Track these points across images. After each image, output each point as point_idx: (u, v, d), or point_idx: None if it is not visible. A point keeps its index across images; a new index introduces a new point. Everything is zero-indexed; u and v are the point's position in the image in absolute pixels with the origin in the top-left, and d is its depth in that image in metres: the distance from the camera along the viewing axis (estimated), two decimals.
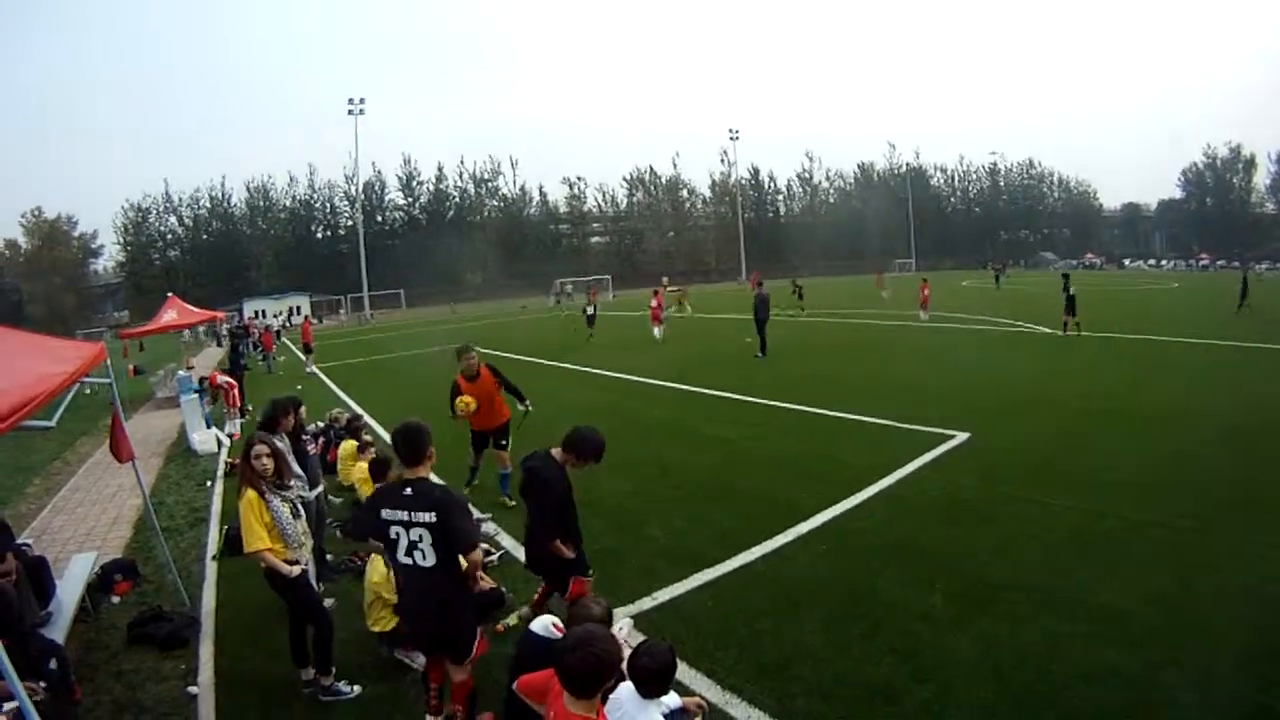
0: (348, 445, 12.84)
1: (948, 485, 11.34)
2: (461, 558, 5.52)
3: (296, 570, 6.64)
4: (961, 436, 13.86)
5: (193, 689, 6.92)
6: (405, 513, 5.40)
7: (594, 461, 6.90)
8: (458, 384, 11.66)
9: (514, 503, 10.99)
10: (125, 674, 7.30)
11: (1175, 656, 6.45)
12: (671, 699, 5.03)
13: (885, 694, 6.15)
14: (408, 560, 5.48)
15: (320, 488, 9.61)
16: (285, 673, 6.96)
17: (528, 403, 12.02)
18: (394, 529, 5.45)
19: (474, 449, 12.27)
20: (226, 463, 15.37)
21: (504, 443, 11.93)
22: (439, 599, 5.54)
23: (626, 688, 4.53)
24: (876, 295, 55.25)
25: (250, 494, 6.66)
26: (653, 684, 4.51)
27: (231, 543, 10.16)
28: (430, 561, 5.41)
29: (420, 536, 5.39)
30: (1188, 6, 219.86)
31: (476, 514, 10.34)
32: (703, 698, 5.78)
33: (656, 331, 36.17)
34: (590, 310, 41.58)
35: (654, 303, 37.36)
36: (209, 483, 14.44)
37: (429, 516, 5.33)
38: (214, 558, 10.30)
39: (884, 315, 43.44)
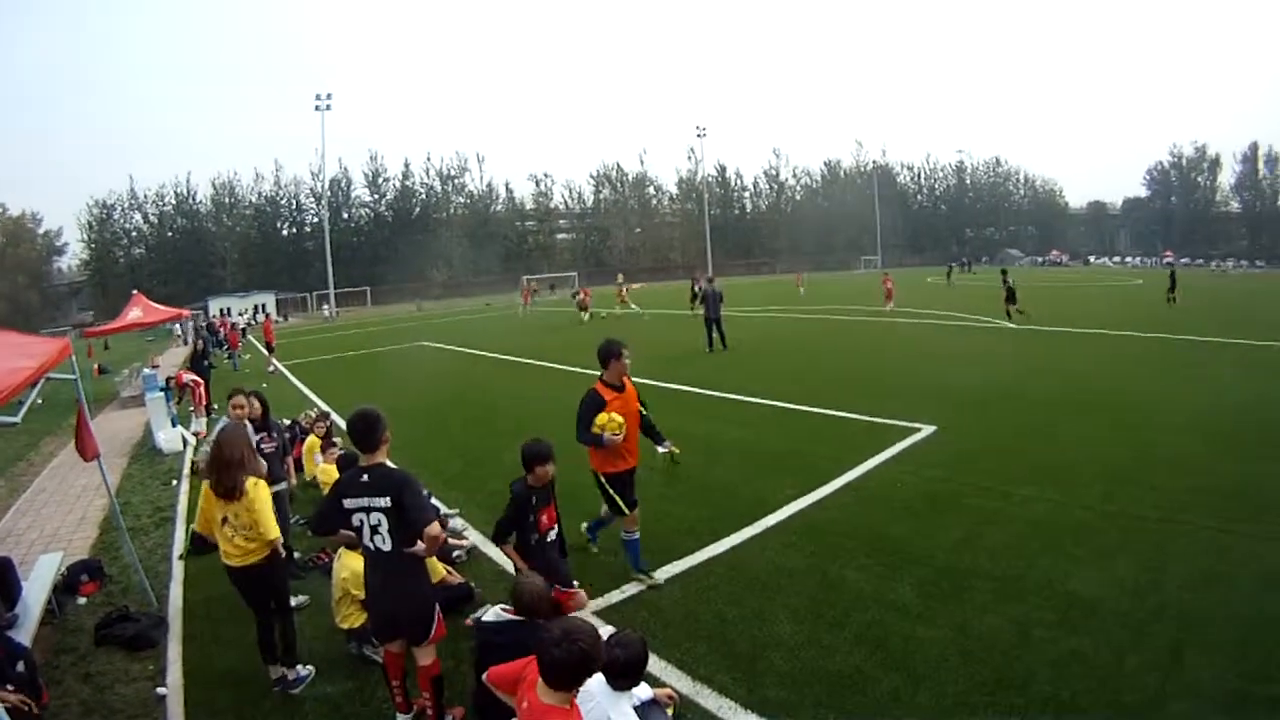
0: (311, 441, 12.75)
1: (915, 477, 11.41)
2: (420, 540, 5.50)
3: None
4: (928, 429, 13.93)
5: (161, 690, 6.85)
6: (365, 499, 5.45)
7: (540, 466, 7.06)
8: (598, 393, 8.32)
9: (652, 580, 8.32)
10: (93, 676, 7.21)
11: (1144, 643, 6.54)
12: (643, 690, 5.05)
13: (855, 683, 6.18)
14: (369, 546, 5.54)
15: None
16: (254, 671, 6.91)
17: (669, 444, 9.54)
18: (356, 517, 5.50)
19: (610, 497, 8.48)
20: (193, 461, 15.21)
21: (633, 497, 8.62)
22: (397, 581, 5.57)
23: (598, 680, 4.51)
24: (869, 294, 55.40)
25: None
26: (625, 675, 4.53)
27: (197, 541, 10.11)
28: (388, 546, 5.46)
29: (378, 521, 5.44)
30: (1154, 8, 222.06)
31: (444, 509, 10.34)
32: (674, 689, 5.83)
33: (585, 316, 45.56)
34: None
35: (582, 295, 48.84)
36: (174, 481, 14.30)
37: (385, 501, 5.39)
38: (180, 557, 10.19)
39: (846, 310, 43.93)
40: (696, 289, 48.08)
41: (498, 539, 7.25)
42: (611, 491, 8.41)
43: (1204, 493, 10.09)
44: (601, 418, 8.09)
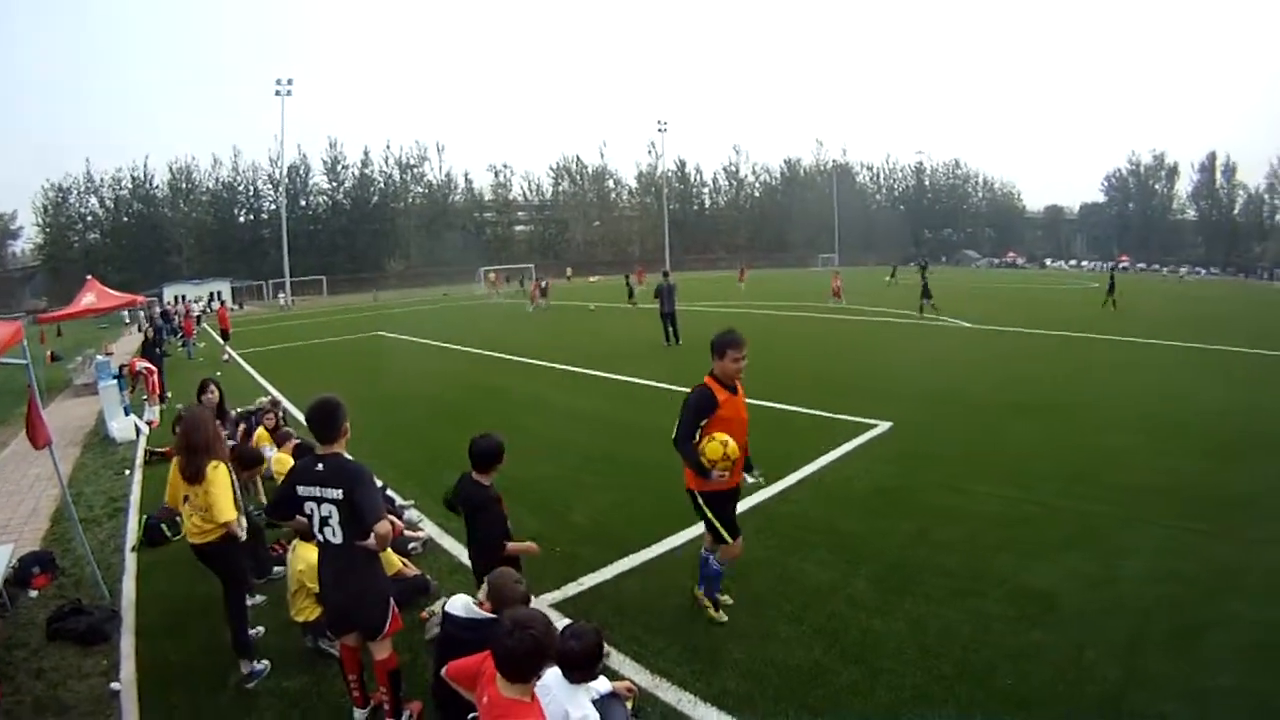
0: (261, 434, 12.58)
1: (871, 473, 11.51)
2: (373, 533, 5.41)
3: (244, 534, 7.13)
4: (884, 425, 14.08)
5: (115, 685, 6.71)
6: (317, 489, 5.38)
7: (486, 463, 6.72)
8: (710, 391, 6.93)
9: (725, 618, 7.21)
10: (45, 672, 7.05)
11: (1102, 636, 6.63)
12: (601, 684, 5.03)
13: (814, 675, 6.20)
14: (320, 537, 5.47)
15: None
16: (210, 665, 6.83)
17: (759, 471, 7.81)
18: (308, 505, 5.44)
19: (710, 521, 7.10)
20: (146, 451, 15.02)
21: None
22: (350, 575, 5.51)
23: (554, 673, 4.51)
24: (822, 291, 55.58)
25: (224, 468, 6.98)
26: (581, 668, 4.51)
27: (150, 532, 9.98)
28: (338, 538, 5.39)
29: (329, 513, 5.36)
30: (1116, 19, 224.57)
31: (399, 500, 10.29)
32: (632, 682, 5.81)
33: (530, 307, 48.25)
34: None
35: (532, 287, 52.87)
36: (127, 471, 14.04)
37: (337, 493, 5.31)
38: (133, 549, 10.00)
39: (797, 306, 44.49)
40: (633, 285, 48.60)
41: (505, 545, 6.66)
42: (711, 514, 7.06)
43: (1156, 490, 10.32)
44: (714, 448, 6.61)
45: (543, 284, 52.54)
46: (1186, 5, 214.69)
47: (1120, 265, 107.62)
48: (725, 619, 7.10)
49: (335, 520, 5.35)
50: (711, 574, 7.22)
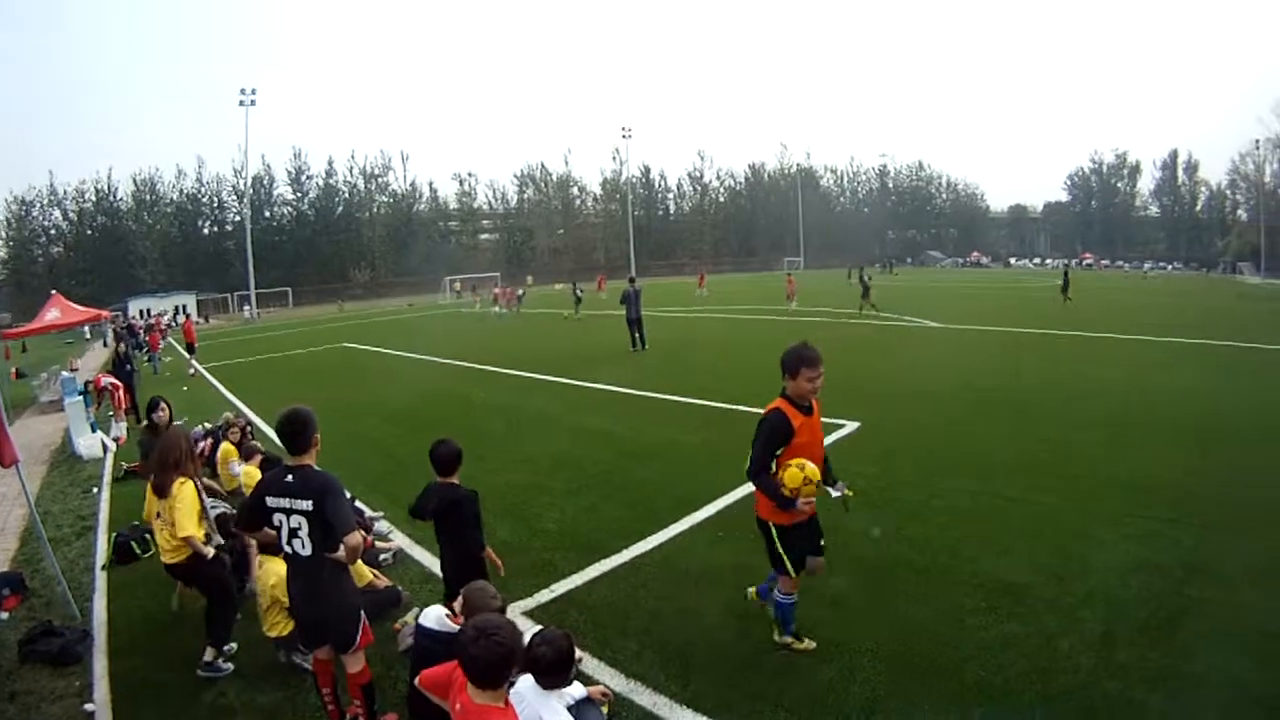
0: (226, 449, 12.47)
1: (841, 472, 11.24)
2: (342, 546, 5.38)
3: (211, 551, 7.25)
4: (852, 425, 14.20)
5: (89, 706, 6.63)
6: (287, 500, 5.33)
7: (450, 467, 6.84)
8: (785, 415, 6.25)
9: (814, 645, 6.65)
10: (19, 695, 6.95)
11: (1073, 626, 6.72)
12: (576, 689, 5.05)
13: (789, 675, 6.23)
14: (289, 549, 5.43)
15: None
16: (183, 682, 6.78)
17: (843, 486, 6.89)
18: (277, 516, 5.40)
19: (779, 556, 6.43)
20: (120, 466, 14.88)
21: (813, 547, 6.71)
22: (319, 587, 5.46)
23: (527, 680, 4.52)
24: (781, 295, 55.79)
25: (191, 485, 7.23)
26: (552, 673, 4.50)
27: (120, 550, 9.89)
28: (308, 551, 5.34)
29: (299, 525, 5.32)
30: (1077, 21, 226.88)
31: (369, 512, 10.24)
32: (607, 687, 5.80)
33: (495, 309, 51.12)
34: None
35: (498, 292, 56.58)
36: (95, 489, 13.89)
37: (307, 504, 5.26)
38: (103, 567, 9.88)
39: (757, 309, 44.77)
40: (579, 294, 48.81)
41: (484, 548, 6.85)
42: (781, 549, 6.35)
43: (1122, 483, 10.45)
44: (793, 475, 5.99)
45: (520, 292, 52.47)
46: (1148, 6, 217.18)
47: (1084, 262, 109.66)
48: (814, 645, 6.57)
49: (305, 532, 5.30)
50: (785, 610, 6.58)
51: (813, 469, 6.02)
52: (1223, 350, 23.00)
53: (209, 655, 6.88)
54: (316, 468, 5.52)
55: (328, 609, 5.52)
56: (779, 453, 6.17)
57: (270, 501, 5.41)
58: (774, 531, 6.38)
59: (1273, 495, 9.87)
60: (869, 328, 33.42)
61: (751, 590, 7.30)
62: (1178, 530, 8.78)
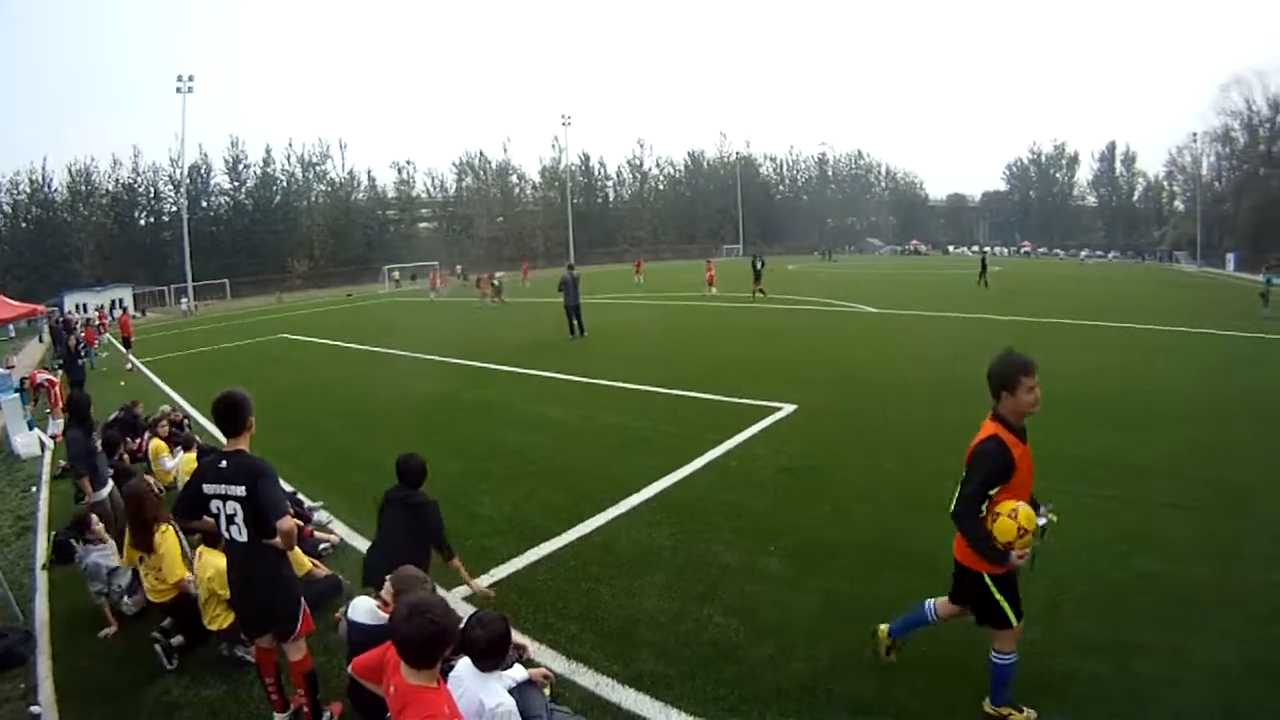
0: (156, 445, 12.31)
1: (778, 455, 11.71)
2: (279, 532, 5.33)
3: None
4: (788, 408, 14.33)
5: (35, 709, 6.50)
6: (222, 486, 5.30)
7: (418, 479, 7.12)
8: (1005, 446, 5.32)
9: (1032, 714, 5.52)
10: None
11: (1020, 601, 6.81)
12: (517, 672, 5.05)
13: (728, 652, 6.30)
14: (227, 535, 5.39)
15: (108, 488, 9.53)
16: (129, 682, 6.70)
17: (1049, 509, 5.67)
18: (214, 504, 5.36)
19: (997, 604, 5.40)
20: (60, 464, 14.61)
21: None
22: (258, 574, 5.44)
23: (465, 663, 4.53)
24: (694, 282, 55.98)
25: (170, 532, 7.48)
26: (489, 656, 4.51)
27: (60, 549, 9.73)
28: (244, 537, 5.31)
29: (234, 511, 5.28)
30: (1015, 13, 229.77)
31: (308, 502, 10.18)
32: (549, 669, 5.81)
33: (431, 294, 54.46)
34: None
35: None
36: (34, 489, 13.63)
37: (241, 490, 5.23)
38: (44, 567, 9.69)
39: (695, 297, 44.80)
40: (495, 283, 48.57)
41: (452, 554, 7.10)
42: (1000, 597, 5.37)
43: (1064, 460, 10.56)
44: (1005, 527, 5.10)
45: (495, 279, 50.39)
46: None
47: (1022, 250, 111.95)
48: (1035, 715, 5.42)
49: (240, 518, 5.26)
50: (1005, 672, 5.44)
51: (1028, 514, 5.12)
52: (1164, 335, 23.56)
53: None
54: (250, 453, 5.47)
55: (267, 596, 5.48)
56: (994, 492, 5.23)
57: (207, 489, 5.36)
58: (988, 581, 5.36)
59: (1215, 472, 10.20)
60: (804, 313, 33.85)
61: (882, 629, 6.08)
62: (1121, 506, 9.01)
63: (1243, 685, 5.61)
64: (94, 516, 8.41)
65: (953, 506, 5.29)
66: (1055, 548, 7.92)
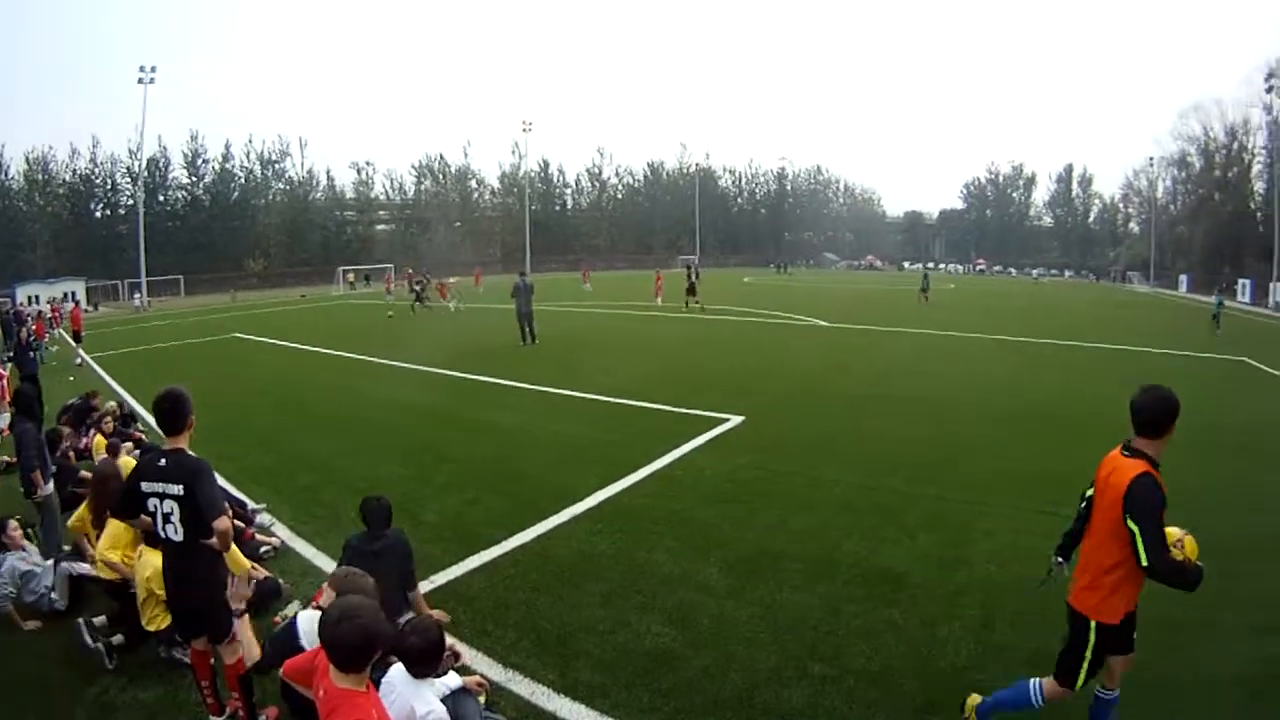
0: (98, 441, 12.15)
1: (723, 465, 11.77)
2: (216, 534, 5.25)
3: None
4: (736, 420, 14.38)
5: None
6: (160, 484, 5.24)
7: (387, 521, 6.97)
8: (1160, 488, 4.82)
9: None
10: None
11: (954, 612, 6.98)
12: (452, 679, 5.03)
13: (666, 661, 6.30)
14: (163, 534, 5.33)
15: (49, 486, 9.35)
16: (64, 679, 6.61)
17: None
18: (151, 502, 5.29)
19: (1096, 658, 5.13)
20: (4, 460, 14.36)
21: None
22: (194, 575, 5.39)
23: (398, 670, 4.51)
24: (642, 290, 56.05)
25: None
26: (423, 663, 4.49)
27: None
28: (180, 536, 5.25)
29: (171, 509, 5.22)
30: (973, 35, 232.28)
31: (251, 504, 10.08)
32: (484, 676, 5.82)
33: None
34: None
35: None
36: None
37: (178, 489, 5.17)
38: None
39: (645, 306, 44.97)
40: (415, 286, 48.46)
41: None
42: (1092, 652, 5.08)
43: (1001, 475, 10.89)
44: (1191, 545, 4.96)
45: (419, 282, 49.98)
46: (1047, 25, 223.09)
47: (978, 268, 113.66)
48: None
49: (177, 517, 5.21)
50: (1108, 703, 5.32)
51: (1182, 533, 4.94)
52: (1100, 351, 24.20)
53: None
54: (190, 452, 5.42)
55: (202, 597, 5.40)
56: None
57: (144, 486, 5.30)
58: (1094, 632, 5.02)
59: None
60: (756, 325, 34.27)
61: (972, 700, 5.60)
62: (1057, 520, 9.03)
63: (1185, 697, 5.79)
64: (13, 523, 8.25)
65: (1147, 562, 4.62)
66: (992, 558, 8.13)
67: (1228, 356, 24.53)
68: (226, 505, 5.48)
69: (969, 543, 8.63)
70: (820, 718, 5.61)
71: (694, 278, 43.28)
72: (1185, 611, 6.55)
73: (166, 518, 5.25)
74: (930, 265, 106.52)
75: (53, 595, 7.80)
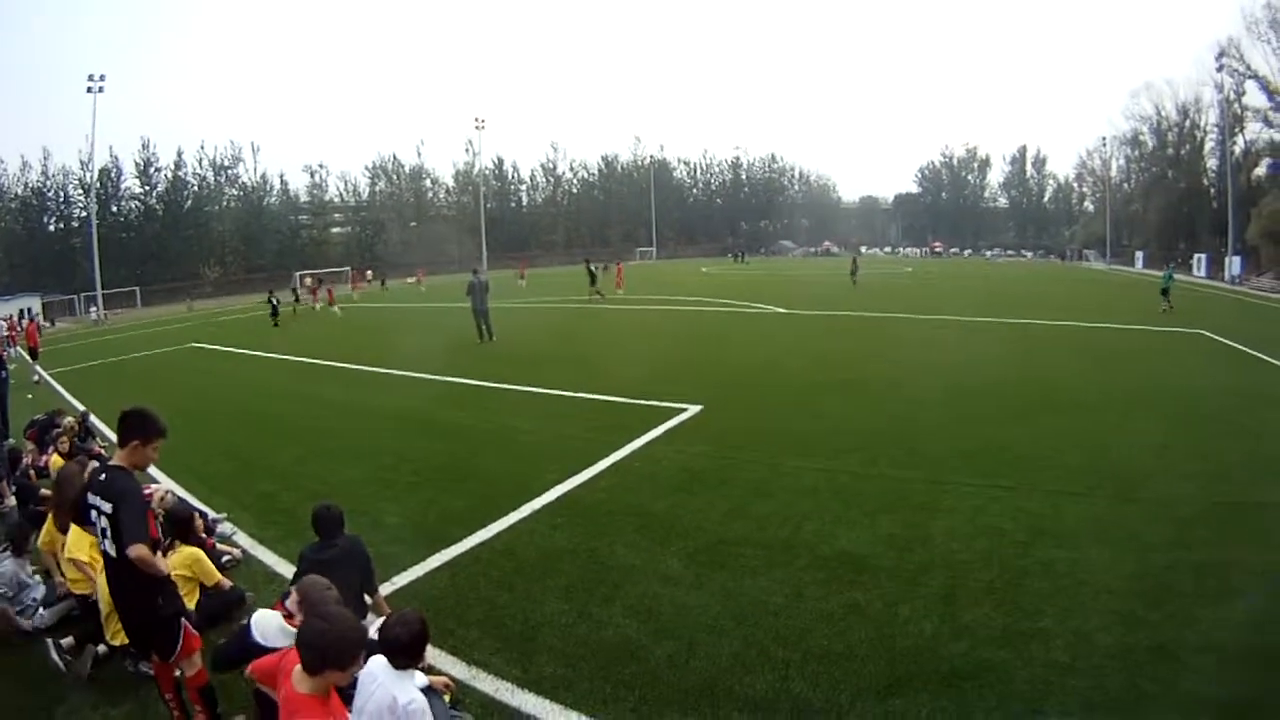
0: (54, 460, 12.02)
1: (681, 455, 11.81)
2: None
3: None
4: (693, 409, 14.45)
5: None
6: (98, 498, 5.19)
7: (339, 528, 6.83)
8: None
9: None
10: None
11: (915, 592, 7.03)
12: (418, 678, 5.06)
13: (629, 653, 6.31)
14: (103, 548, 5.30)
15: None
16: (33, 700, 6.49)
17: None
18: (92, 513, 5.25)
19: None
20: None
21: None
22: (127, 592, 5.32)
23: (378, 660, 4.51)
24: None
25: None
26: (406, 654, 4.51)
27: None
28: (113, 552, 5.18)
29: (105, 526, 5.17)
30: (928, 16, 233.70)
31: (212, 514, 9.98)
32: (449, 675, 5.80)
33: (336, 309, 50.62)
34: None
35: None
36: None
37: (108, 507, 5.11)
38: None
39: (586, 299, 44.89)
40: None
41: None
42: None
43: (960, 454, 11.03)
44: None
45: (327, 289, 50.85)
46: (999, 9, 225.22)
47: (934, 250, 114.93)
48: None
49: (110, 533, 5.16)
50: None
51: None
52: (1054, 329, 24.52)
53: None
54: (127, 470, 5.34)
55: (139, 614, 5.37)
56: None
57: (89, 498, 5.27)
58: None
59: (1104, 460, 10.70)
60: (713, 315, 34.38)
61: None
62: (1017, 496, 9.31)
63: (1145, 666, 5.79)
64: None
65: None
66: (953, 537, 8.23)
67: (1185, 329, 24.97)
68: (152, 531, 5.37)
69: (929, 522, 8.70)
70: (784, 702, 5.63)
71: (594, 269, 47.19)
72: (1142, 582, 6.75)
73: (104, 532, 5.21)
74: (888, 250, 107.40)
75: (42, 611, 7.68)
